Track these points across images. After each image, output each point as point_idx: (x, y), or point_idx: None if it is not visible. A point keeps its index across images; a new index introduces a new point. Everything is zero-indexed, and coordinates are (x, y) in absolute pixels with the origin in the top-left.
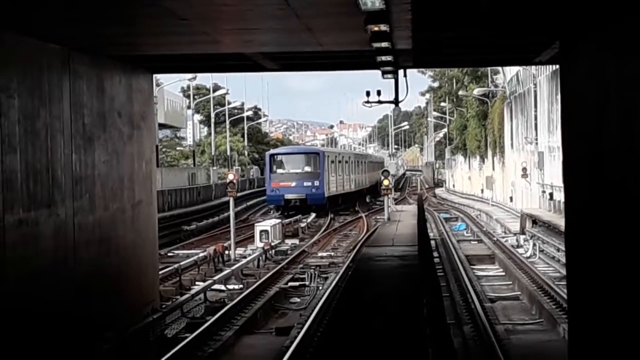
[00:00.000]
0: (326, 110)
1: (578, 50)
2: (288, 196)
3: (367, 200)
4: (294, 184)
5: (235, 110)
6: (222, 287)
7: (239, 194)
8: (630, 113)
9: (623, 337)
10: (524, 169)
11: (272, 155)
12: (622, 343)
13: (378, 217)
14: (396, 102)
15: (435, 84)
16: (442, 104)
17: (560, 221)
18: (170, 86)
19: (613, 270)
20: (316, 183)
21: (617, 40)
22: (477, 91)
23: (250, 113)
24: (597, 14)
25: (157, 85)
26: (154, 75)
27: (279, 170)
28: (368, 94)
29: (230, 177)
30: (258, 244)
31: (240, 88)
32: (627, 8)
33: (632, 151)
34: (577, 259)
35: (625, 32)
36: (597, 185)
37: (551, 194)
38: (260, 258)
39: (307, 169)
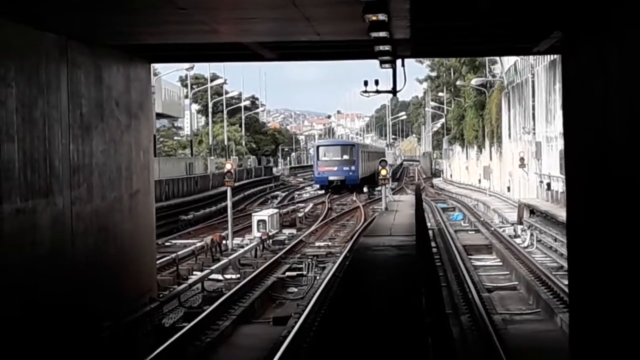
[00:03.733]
0: (324, 100)
1: (580, 38)
2: (331, 178)
3: (365, 190)
4: (335, 168)
5: (233, 100)
6: (220, 277)
7: (236, 184)
8: (635, 102)
9: (625, 329)
10: (522, 159)
11: (318, 146)
12: (624, 334)
13: (375, 207)
14: (394, 91)
15: (433, 74)
16: (440, 94)
17: (557, 211)
18: (168, 76)
19: (616, 263)
20: (353, 168)
21: (620, 26)
22: (474, 81)
23: (247, 103)
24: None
25: (155, 74)
26: (152, 65)
27: (324, 158)
28: (366, 83)
29: (228, 166)
30: (255, 233)
31: (238, 78)
32: None
33: (636, 142)
34: (579, 251)
35: (627, 17)
36: (600, 177)
37: (549, 184)
38: (258, 248)
39: (345, 157)
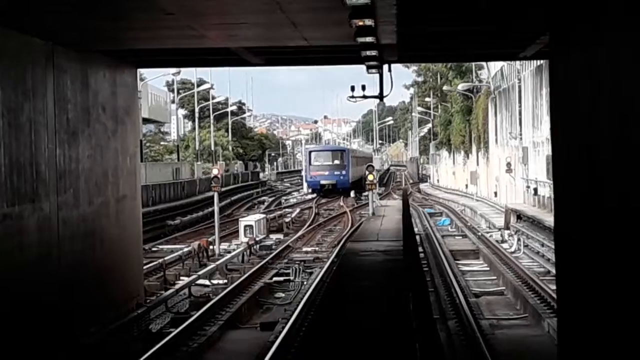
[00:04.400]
0: (311, 105)
1: (569, 40)
2: (323, 182)
3: (352, 195)
4: (327, 172)
5: (220, 105)
6: (207, 282)
7: (223, 189)
8: (624, 107)
9: (613, 336)
10: (509, 164)
11: (310, 152)
12: (613, 341)
13: (363, 212)
14: (381, 97)
15: (420, 79)
16: (427, 99)
17: (544, 216)
18: (155, 80)
19: (604, 270)
20: (344, 172)
21: (611, 28)
22: (461, 86)
23: (234, 108)
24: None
25: (141, 79)
26: (139, 70)
27: (316, 163)
28: (353, 88)
29: (215, 172)
30: (242, 238)
31: (225, 83)
32: None
33: (625, 149)
34: (567, 259)
35: (616, 19)
36: (588, 182)
37: (535, 189)
38: (245, 253)
39: (336, 162)
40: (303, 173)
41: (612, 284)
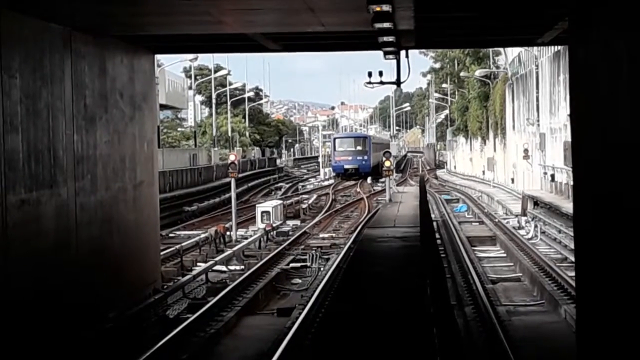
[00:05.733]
0: (328, 91)
1: (589, 24)
2: (347, 166)
3: (369, 181)
4: (350, 157)
5: (237, 91)
6: (224, 268)
7: (240, 175)
8: None
9: (634, 327)
10: (526, 151)
11: (335, 138)
12: (633, 332)
13: (379, 198)
14: (398, 82)
15: (437, 65)
16: (444, 85)
17: (561, 202)
18: (172, 67)
19: (625, 258)
20: (365, 157)
21: (630, 12)
22: (478, 72)
23: (251, 94)
24: None
25: (158, 65)
26: (156, 56)
27: (340, 149)
28: (370, 74)
29: (232, 158)
30: (259, 225)
31: (242, 68)
32: None
33: None
34: (586, 246)
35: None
36: (607, 168)
37: (553, 176)
38: (262, 239)
39: (359, 148)
40: (320, 159)
41: (632, 274)
